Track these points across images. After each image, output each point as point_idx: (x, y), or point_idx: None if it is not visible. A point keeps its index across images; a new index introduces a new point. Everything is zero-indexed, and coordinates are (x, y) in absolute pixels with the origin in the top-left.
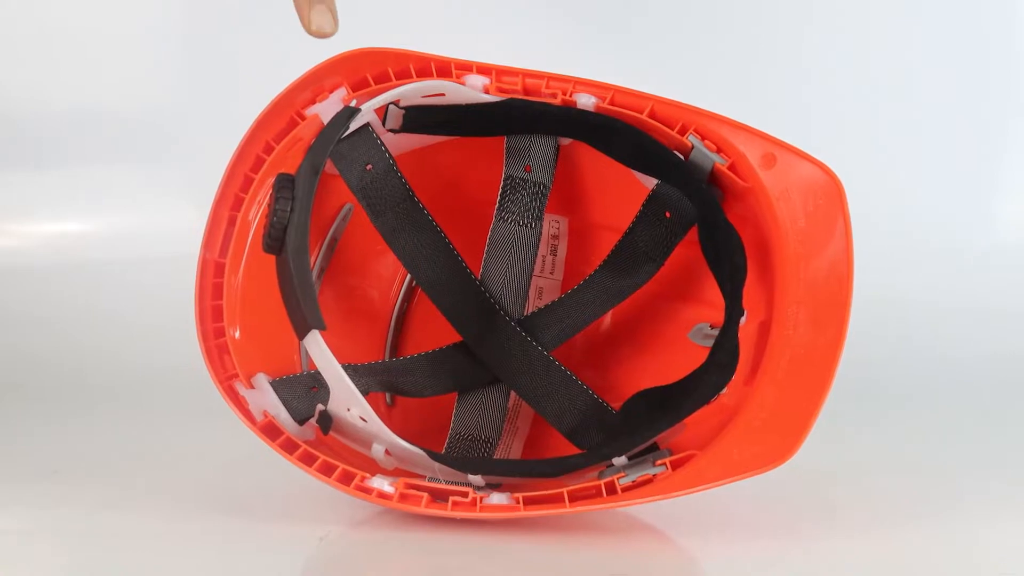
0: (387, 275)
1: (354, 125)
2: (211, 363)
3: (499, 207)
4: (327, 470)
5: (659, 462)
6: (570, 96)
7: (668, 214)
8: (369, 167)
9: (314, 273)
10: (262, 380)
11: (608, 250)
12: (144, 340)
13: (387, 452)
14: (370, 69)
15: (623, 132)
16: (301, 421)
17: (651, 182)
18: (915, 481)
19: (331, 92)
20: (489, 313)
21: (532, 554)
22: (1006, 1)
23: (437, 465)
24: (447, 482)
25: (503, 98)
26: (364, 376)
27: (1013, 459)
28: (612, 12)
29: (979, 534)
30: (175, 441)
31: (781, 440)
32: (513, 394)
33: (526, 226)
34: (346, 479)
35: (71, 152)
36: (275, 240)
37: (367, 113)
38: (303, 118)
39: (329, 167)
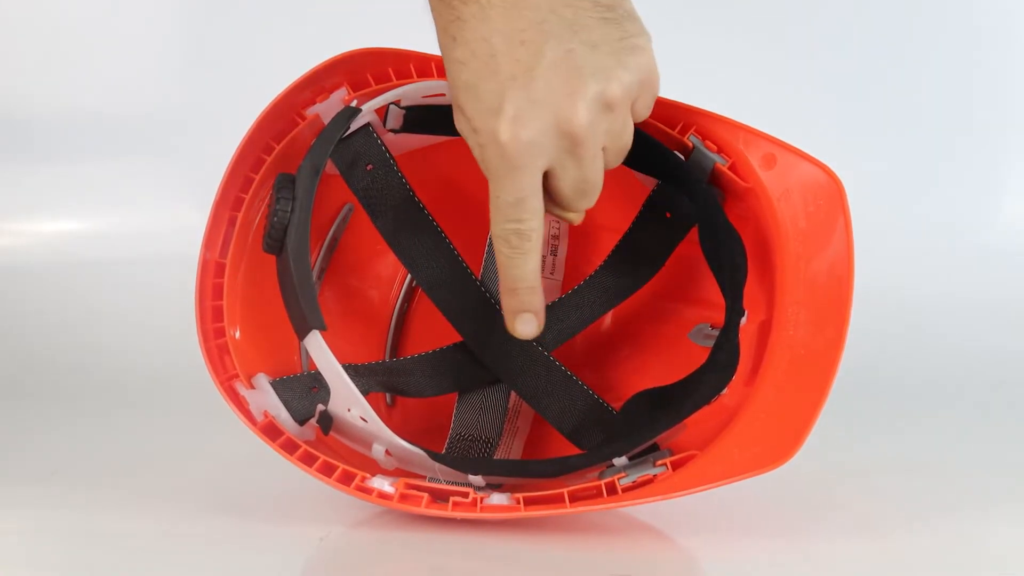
0: (387, 275)
1: (355, 125)
2: (211, 363)
3: None
4: (327, 470)
5: (659, 462)
6: None
7: (668, 214)
8: (370, 167)
9: (314, 273)
10: (262, 380)
11: (608, 250)
12: (144, 340)
13: (387, 452)
14: (371, 69)
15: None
16: (301, 421)
17: (651, 182)
18: (915, 481)
19: (332, 92)
20: (489, 313)
21: (532, 554)
22: (1007, 1)
23: (437, 465)
24: (447, 482)
25: None
26: (364, 376)
27: (1014, 459)
28: None
29: (980, 535)
30: (175, 441)
31: (781, 440)
32: (513, 394)
33: None
34: (346, 479)
35: (71, 152)
36: (275, 240)
37: (368, 113)
38: (303, 118)
39: (329, 167)
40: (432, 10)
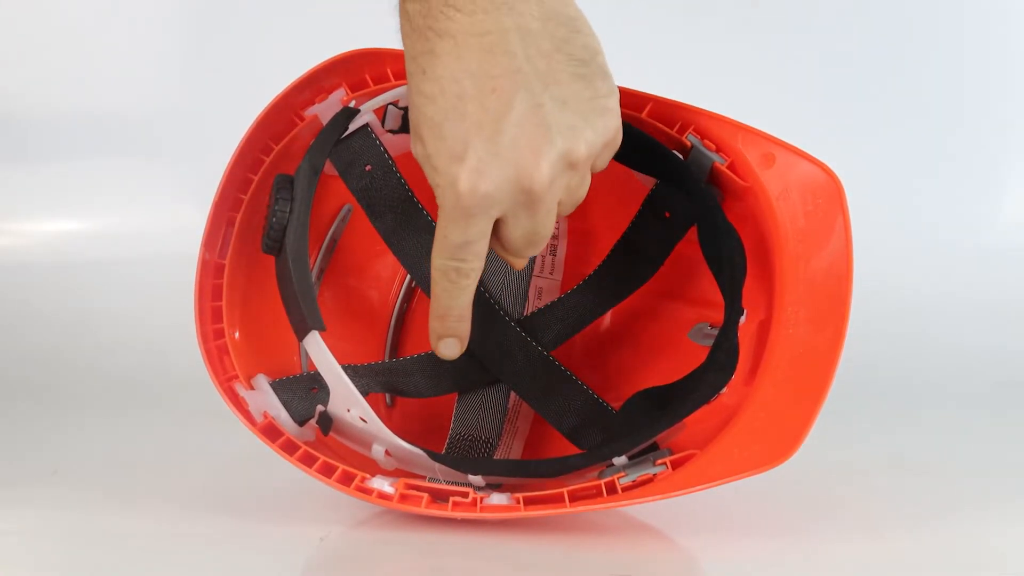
0: (387, 276)
1: (353, 126)
2: (211, 364)
3: None
4: (327, 471)
5: (659, 462)
6: None
7: (667, 214)
8: (368, 168)
9: (313, 274)
10: (262, 381)
11: (608, 250)
12: (144, 340)
13: (387, 453)
14: (369, 69)
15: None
16: (301, 422)
17: (650, 182)
18: (915, 481)
19: (330, 93)
20: (489, 313)
21: (532, 554)
22: (1007, 1)
23: (437, 465)
24: (447, 482)
25: None
26: (364, 377)
27: (1014, 459)
28: (611, 12)
29: (980, 535)
30: (175, 442)
31: (781, 439)
32: (513, 394)
33: None
34: (346, 480)
35: (71, 152)
36: (274, 241)
37: (366, 114)
38: (302, 119)
39: (328, 168)
40: (403, 36)
